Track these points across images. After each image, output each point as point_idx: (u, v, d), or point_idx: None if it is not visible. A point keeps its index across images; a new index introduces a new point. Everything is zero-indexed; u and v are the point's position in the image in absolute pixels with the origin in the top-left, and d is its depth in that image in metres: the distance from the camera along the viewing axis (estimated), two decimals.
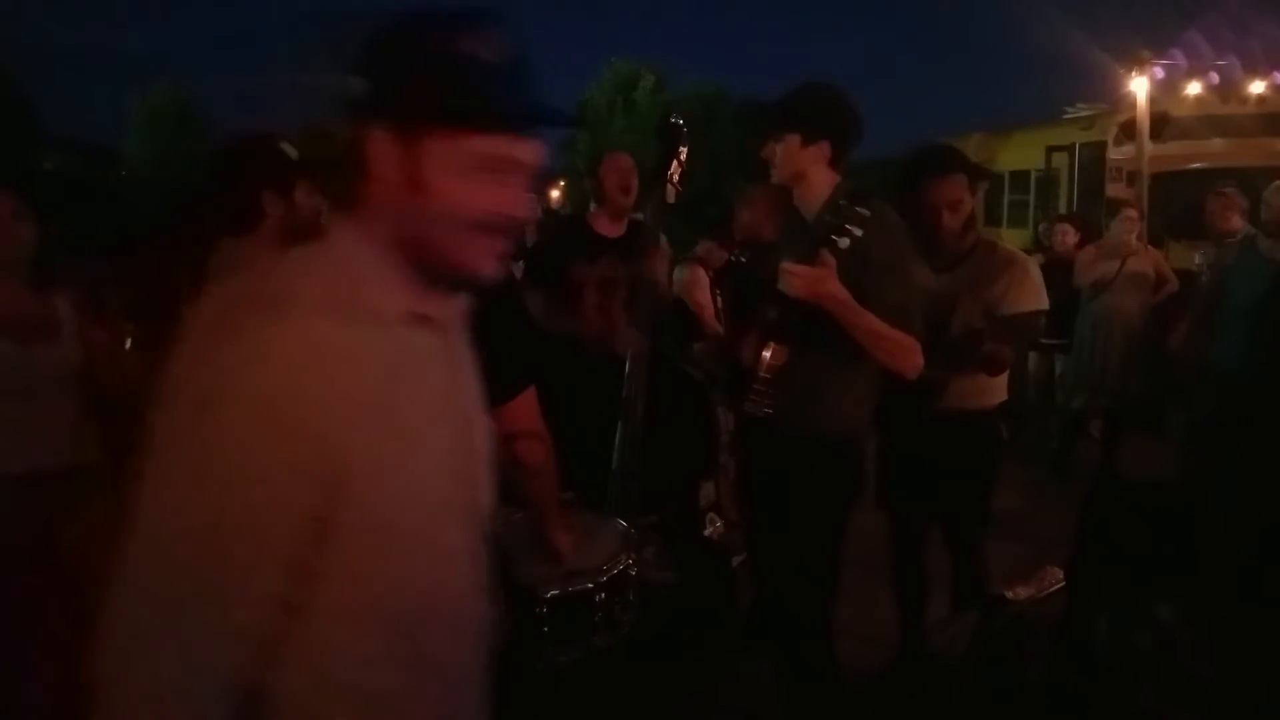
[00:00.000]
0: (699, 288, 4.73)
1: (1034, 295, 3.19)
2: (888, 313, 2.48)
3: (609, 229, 3.63)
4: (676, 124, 3.34)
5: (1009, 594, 3.02)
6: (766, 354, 2.60)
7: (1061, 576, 3.07)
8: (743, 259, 4.18)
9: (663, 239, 3.72)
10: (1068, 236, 7.21)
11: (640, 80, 31.08)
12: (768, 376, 2.60)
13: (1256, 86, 9.72)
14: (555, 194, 24.91)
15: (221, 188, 2.56)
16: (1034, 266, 3.29)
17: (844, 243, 2.41)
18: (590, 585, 2.02)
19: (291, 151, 2.60)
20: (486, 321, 1.77)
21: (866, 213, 2.42)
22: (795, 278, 2.43)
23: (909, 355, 2.54)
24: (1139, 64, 9.50)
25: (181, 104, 35.00)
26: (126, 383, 2.91)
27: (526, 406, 1.84)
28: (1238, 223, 5.47)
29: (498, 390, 1.79)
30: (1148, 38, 11.31)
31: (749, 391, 2.62)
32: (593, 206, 3.75)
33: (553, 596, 1.98)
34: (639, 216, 3.65)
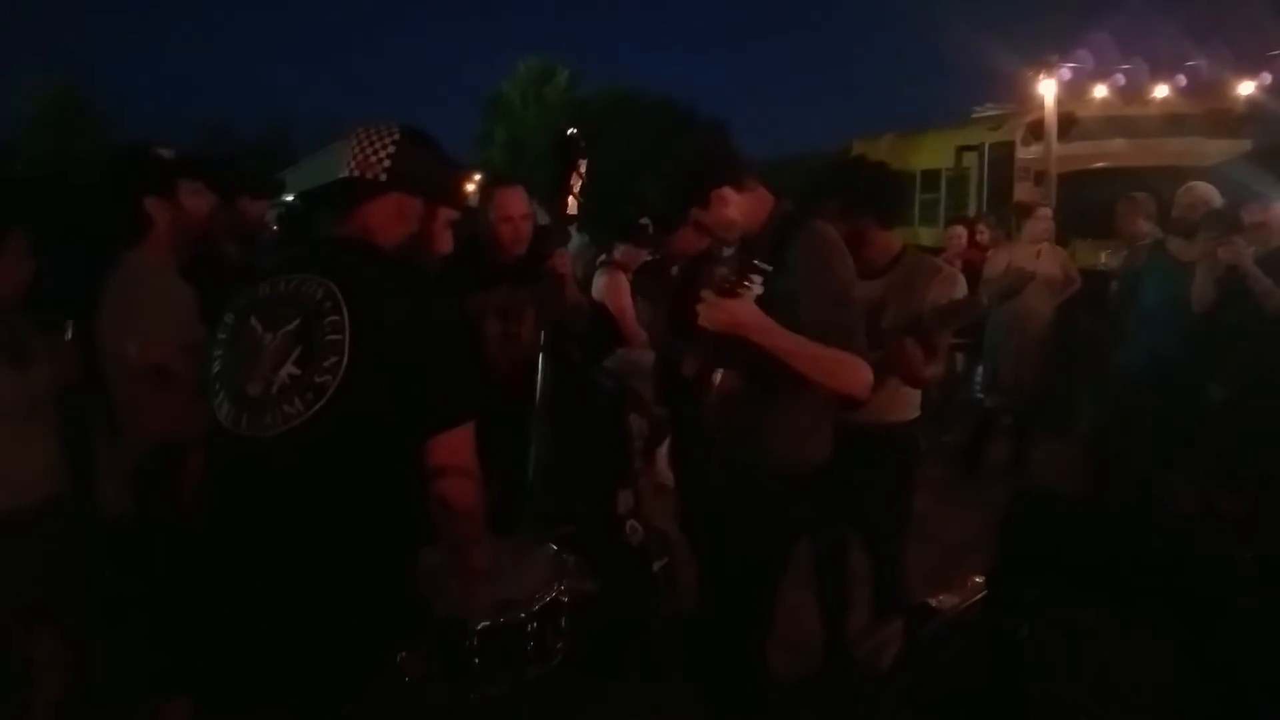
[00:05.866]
0: (619, 292, 4.65)
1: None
2: (827, 334, 2.39)
3: (504, 253, 3.44)
4: (573, 137, 3.21)
5: (933, 602, 3.02)
6: (716, 378, 2.55)
7: (982, 584, 3.08)
8: (674, 270, 4.07)
9: (584, 237, 3.59)
10: (958, 240, 7.53)
11: (554, 76, 31.04)
12: (718, 401, 2.56)
13: (1160, 90, 10.04)
14: (469, 187, 24.36)
15: (110, 201, 2.59)
16: (959, 275, 3.38)
17: (754, 291, 2.32)
18: (522, 615, 1.97)
19: (167, 154, 2.62)
20: (430, 350, 1.68)
21: (768, 268, 2.32)
22: (712, 309, 2.36)
23: (854, 373, 2.43)
24: (1047, 66, 9.71)
25: (72, 101, 33.27)
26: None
27: (461, 442, 1.71)
28: (1144, 227, 5.60)
29: (432, 419, 1.71)
30: (1058, 40, 11.61)
31: (698, 412, 2.58)
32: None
33: (483, 628, 1.92)
34: (543, 223, 3.47)
